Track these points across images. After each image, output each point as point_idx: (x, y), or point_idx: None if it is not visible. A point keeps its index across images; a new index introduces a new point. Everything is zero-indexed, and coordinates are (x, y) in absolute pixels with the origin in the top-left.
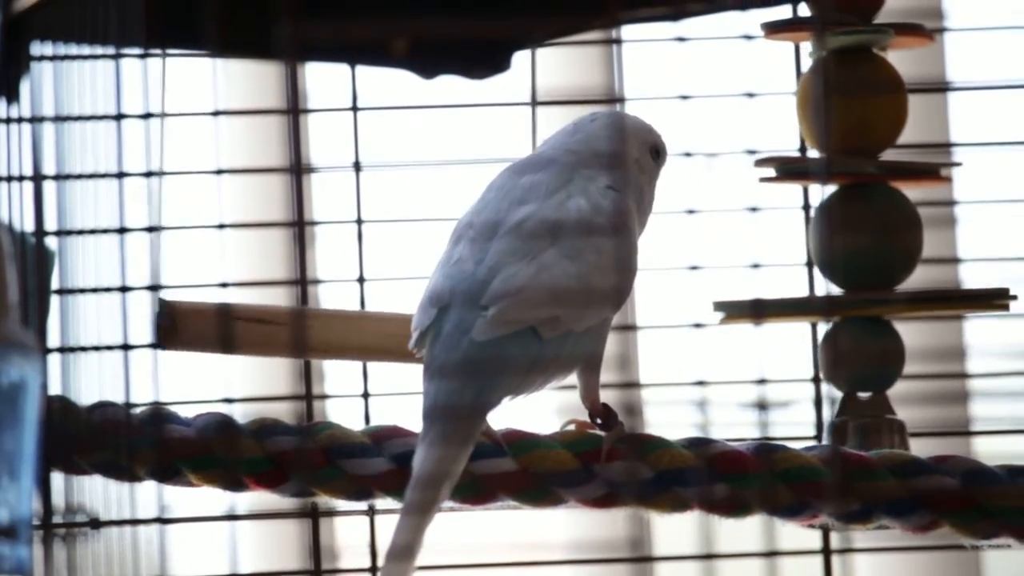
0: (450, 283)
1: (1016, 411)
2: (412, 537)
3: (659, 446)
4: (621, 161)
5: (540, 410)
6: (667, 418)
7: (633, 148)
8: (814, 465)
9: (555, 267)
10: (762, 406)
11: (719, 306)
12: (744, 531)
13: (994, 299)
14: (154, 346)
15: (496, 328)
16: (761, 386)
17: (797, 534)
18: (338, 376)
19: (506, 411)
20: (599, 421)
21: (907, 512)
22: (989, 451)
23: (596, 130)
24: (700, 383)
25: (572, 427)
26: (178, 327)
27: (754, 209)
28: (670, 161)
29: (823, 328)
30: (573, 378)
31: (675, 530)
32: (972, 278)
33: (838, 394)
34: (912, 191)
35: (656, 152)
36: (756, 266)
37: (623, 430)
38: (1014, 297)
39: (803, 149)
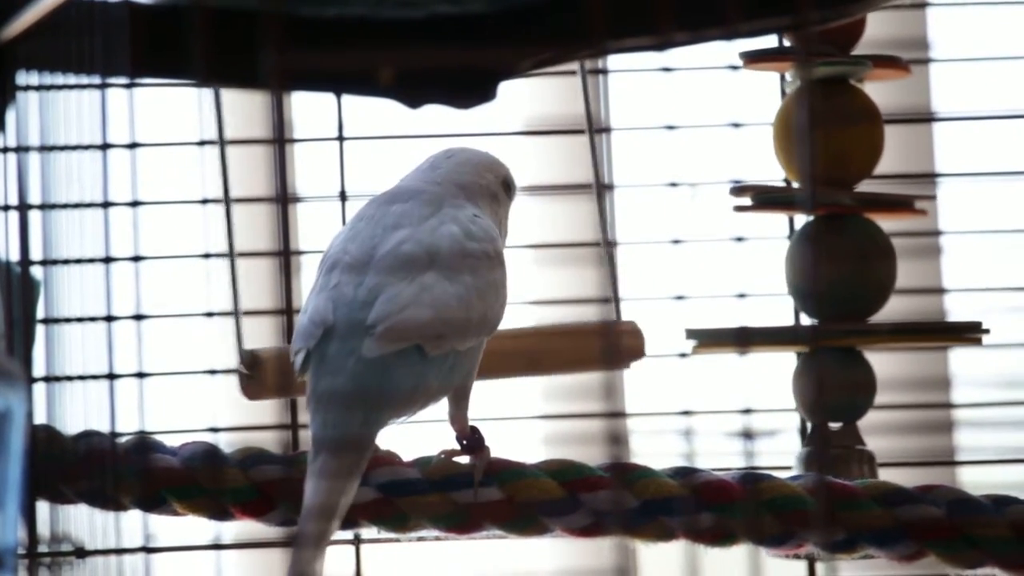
0: (331, 305)
1: (1000, 441)
2: (305, 569)
3: (645, 475)
4: (483, 189)
5: (524, 438)
6: (653, 448)
7: (490, 181)
8: (799, 494)
9: (436, 287)
10: (747, 435)
11: (703, 335)
12: (730, 560)
13: (968, 332)
14: (242, 395)
15: (384, 344)
16: (746, 415)
17: (782, 564)
18: None
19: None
20: (464, 443)
21: (892, 541)
22: (974, 481)
23: (454, 165)
24: (685, 412)
25: (443, 456)
26: (261, 375)
27: (739, 239)
28: (662, 192)
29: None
30: (568, 407)
31: (661, 559)
32: (954, 309)
33: (809, 424)
34: (893, 222)
35: (507, 186)
36: (741, 296)
37: (489, 454)
38: (987, 331)
39: (788, 179)
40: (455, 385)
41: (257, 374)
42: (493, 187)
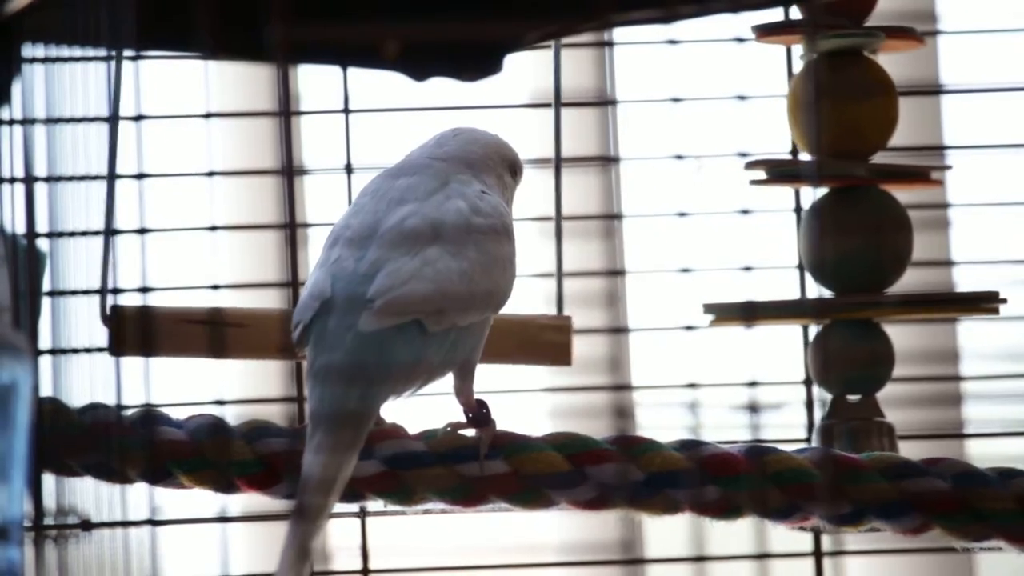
0: (331, 280)
1: (1008, 413)
2: (304, 542)
3: (650, 448)
4: (490, 169)
5: (530, 412)
6: (658, 421)
7: (496, 161)
8: (805, 467)
9: (439, 262)
10: (753, 409)
11: (710, 308)
12: (735, 533)
13: (984, 302)
14: (108, 351)
15: (383, 319)
16: (752, 388)
17: (788, 536)
18: None
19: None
20: (471, 416)
21: (898, 514)
22: (981, 453)
23: (461, 143)
24: (691, 386)
25: (449, 429)
26: (126, 332)
27: (745, 212)
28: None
29: (813, 331)
30: (574, 380)
31: (667, 532)
32: (964, 281)
33: (828, 396)
34: (904, 194)
35: (513, 169)
36: (748, 269)
37: (495, 428)
38: (1004, 300)
39: (795, 152)
40: (459, 360)
41: (121, 330)
42: (499, 168)
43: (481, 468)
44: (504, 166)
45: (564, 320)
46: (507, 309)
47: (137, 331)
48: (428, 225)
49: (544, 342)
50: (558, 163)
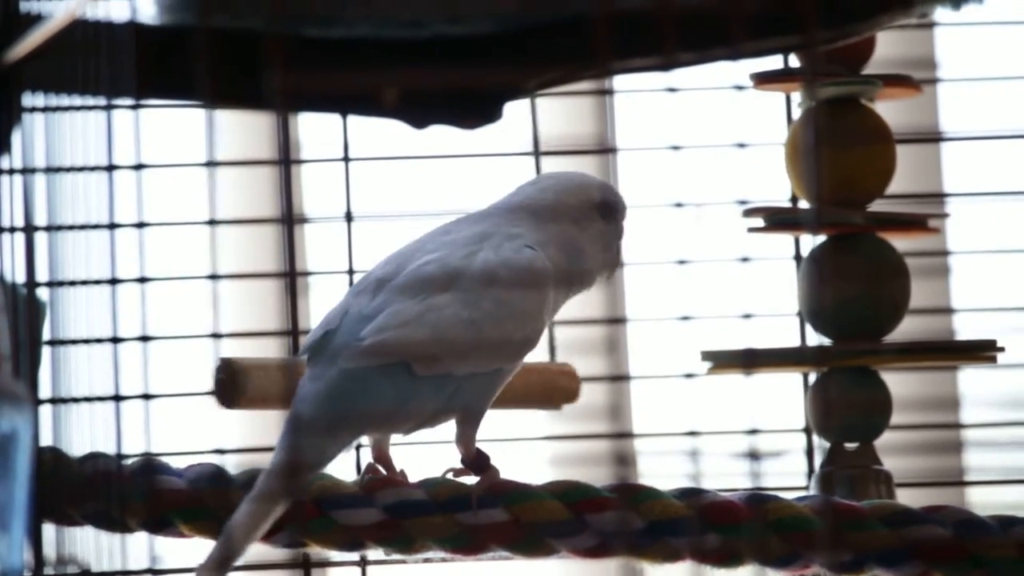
0: (341, 313)
1: (1009, 461)
2: (254, 520)
3: (651, 496)
4: (563, 216)
5: (530, 460)
6: (659, 468)
7: (571, 206)
8: (806, 515)
9: (446, 309)
10: (754, 456)
11: (710, 356)
12: None
13: (982, 351)
14: (217, 404)
15: (366, 357)
16: (753, 436)
17: None
18: None
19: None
20: (467, 464)
21: (899, 562)
22: (982, 501)
23: (533, 191)
24: (692, 433)
25: (451, 476)
26: (238, 384)
27: (745, 259)
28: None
29: (812, 378)
30: (574, 428)
31: None
32: (963, 328)
33: (826, 444)
34: (903, 241)
35: (605, 210)
36: (747, 316)
37: (496, 476)
38: (1001, 349)
39: (794, 199)
40: (461, 408)
41: (233, 383)
42: (577, 212)
43: (475, 513)
44: (587, 209)
45: (569, 367)
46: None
47: (283, 384)
48: (445, 273)
49: (562, 389)
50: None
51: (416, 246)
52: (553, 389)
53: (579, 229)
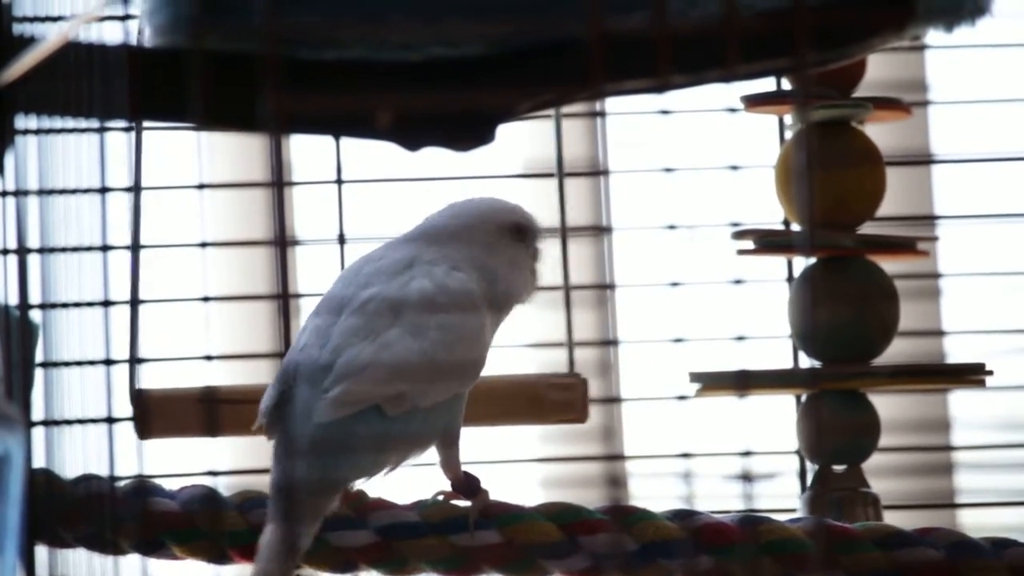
0: (294, 365)
1: (999, 483)
2: None
3: (644, 518)
4: (476, 240)
5: (522, 481)
6: (652, 490)
7: (483, 231)
8: (799, 537)
9: (397, 344)
10: (746, 478)
11: (697, 377)
12: None
13: (971, 374)
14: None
15: (337, 409)
16: (745, 458)
17: None
18: None
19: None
20: (456, 487)
21: None
22: (973, 523)
23: (445, 218)
24: (684, 455)
25: (441, 498)
26: (148, 416)
27: (738, 281)
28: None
29: (802, 401)
30: (567, 449)
31: None
32: (954, 351)
33: (815, 466)
34: (893, 264)
35: (518, 232)
36: (740, 338)
37: (487, 497)
38: (990, 372)
39: (786, 222)
40: (436, 434)
41: (144, 415)
42: (491, 236)
43: (472, 536)
44: (501, 232)
45: (572, 378)
46: (513, 370)
47: (201, 413)
48: (388, 306)
49: (551, 401)
50: (563, 232)
51: (346, 283)
52: (541, 402)
53: (491, 253)
